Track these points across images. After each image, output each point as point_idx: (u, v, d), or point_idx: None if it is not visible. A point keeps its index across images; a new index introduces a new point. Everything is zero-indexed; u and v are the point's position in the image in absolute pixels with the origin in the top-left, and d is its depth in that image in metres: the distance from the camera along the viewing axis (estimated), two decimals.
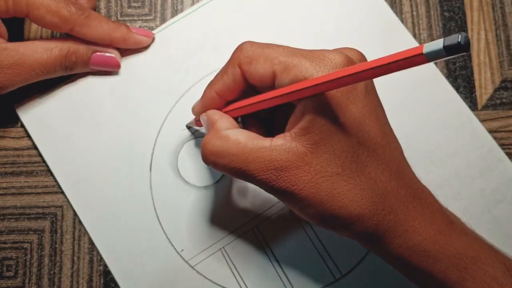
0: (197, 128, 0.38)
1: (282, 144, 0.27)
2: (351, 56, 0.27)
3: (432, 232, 0.28)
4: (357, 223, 0.27)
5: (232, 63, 0.30)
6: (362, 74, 0.24)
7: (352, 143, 0.27)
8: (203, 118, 0.32)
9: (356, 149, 0.27)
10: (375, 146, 0.28)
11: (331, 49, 0.28)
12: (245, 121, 0.33)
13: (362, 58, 0.29)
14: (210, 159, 0.29)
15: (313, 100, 0.26)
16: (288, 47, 0.29)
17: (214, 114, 0.31)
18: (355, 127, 0.27)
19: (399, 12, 0.40)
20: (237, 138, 0.28)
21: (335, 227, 0.28)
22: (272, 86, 0.29)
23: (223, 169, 0.29)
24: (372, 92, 0.28)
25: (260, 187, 0.28)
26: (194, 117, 0.35)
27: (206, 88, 0.32)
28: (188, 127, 0.38)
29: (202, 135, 0.38)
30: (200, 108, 0.33)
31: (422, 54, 0.21)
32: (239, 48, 0.30)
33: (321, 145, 0.27)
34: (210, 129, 0.30)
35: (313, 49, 0.28)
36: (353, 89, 0.27)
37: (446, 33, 0.40)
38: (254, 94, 0.30)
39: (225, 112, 0.32)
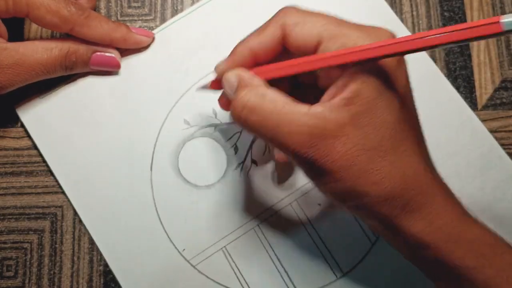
0: (208, 91, 0.35)
1: (321, 111, 0.26)
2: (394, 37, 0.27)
3: (453, 217, 0.28)
4: (385, 202, 0.27)
5: (274, 22, 0.29)
6: (428, 40, 0.23)
7: (393, 119, 0.26)
8: (229, 75, 0.30)
9: (395, 126, 0.26)
10: (413, 126, 0.28)
11: None
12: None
13: None
14: (242, 114, 0.28)
15: (359, 71, 0.26)
16: (334, 16, 0.28)
17: (246, 72, 0.29)
18: (398, 104, 0.27)
19: (399, 12, 0.41)
20: (274, 98, 0.27)
21: (359, 205, 0.27)
22: (312, 53, 0.28)
23: (254, 127, 0.28)
24: (409, 82, 0.28)
25: (289, 154, 0.27)
26: (207, 81, 0.33)
27: (238, 44, 0.30)
28: (199, 89, 0.36)
29: (203, 134, 0.38)
30: (228, 66, 0.30)
31: (498, 22, 0.21)
32: (283, 11, 0.29)
33: (363, 118, 0.26)
34: (243, 86, 0.29)
35: (360, 24, 0.28)
36: (399, 67, 0.27)
37: None
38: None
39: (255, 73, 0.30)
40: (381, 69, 0.26)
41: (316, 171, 0.27)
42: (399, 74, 0.27)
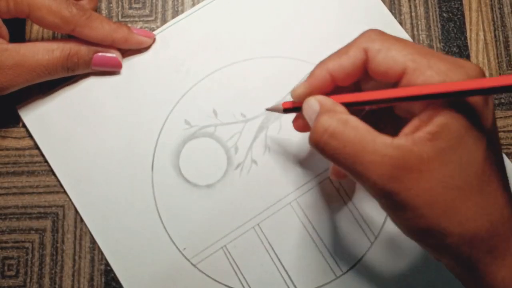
0: (278, 112, 0.33)
1: (405, 144, 0.25)
2: (483, 73, 0.26)
3: None
4: (470, 244, 0.25)
5: (356, 45, 0.28)
6: None
7: (480, 158, 0.25)
8: (311, 102, 0.29)
9: (482, 166, 0.25)
10: (499, 167, 0.26)
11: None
12: None
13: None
14: (322, 139, 0.27)
15: (445, 105, 0.25)
16: (420, 45, 0.27)
17: (328, 99, 0.28)
18: (484, 143, 0.25)
19: (398, 13, 0.41)
20: (357, 125, 0.26)
21: (441, 245, 0.26)
22: (394, 82, 0.27)
23: (333, 153, 0.26)
24: (495, 122, 0.27)
25: (367, 184, 0.26)
26: (278, 102, 0.32)
27: (317, 67, 0.29)
28: (268, 109, 0.35)
29: (204, 134, 0.38)
30: (307, 89, 0.29)
31: None
32: (367, 34, 0.28)
33: (449, 154, 0.25)
34: (325, 111, 0.27)
35: (447, 55, 0.27)
36: (486, 106, 0.26)
37: (444, 34, 0.41)
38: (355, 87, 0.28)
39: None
40: (468, 106, 0.25)
41: (396, 205, 0.26)
42: (486, 113, 0.26)
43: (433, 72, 0.25)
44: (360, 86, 0.31)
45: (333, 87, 0.29)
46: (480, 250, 0.25)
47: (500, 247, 0.26)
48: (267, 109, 0.34)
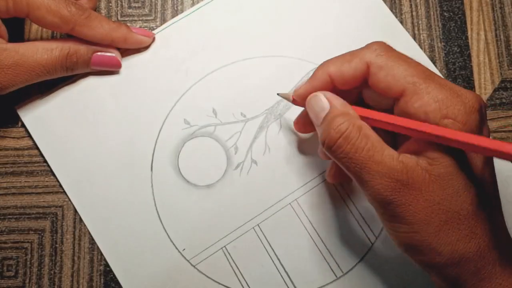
0: (287, 102, 0.35)
1: (409, 161, 0.27)
2: (482, 101, 0.27)
3: None
4: (456, 265, 0.27)
5: (360, 57, 0.29)
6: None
7: (475, 188, 0.27)
8: (318, 98, 0.30)
9: (477, 193, 0.27)
10: (495, 196, 0.28)
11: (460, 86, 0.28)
12: None
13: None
14: (338, 142, 0.28)
15: None
16: (422, 66, 0.28)
17: (337, 98, 0.29)
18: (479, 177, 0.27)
19: (398, 13, 0.41)
20: (369, 133, 0.27)
21: (430, 263, 0.27)
22: (391, 99, 0.28)
23: (344, 157, 0.28)
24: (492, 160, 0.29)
25: (370, 191, 0.27)
26: (289, 90, 0.33)
27: (319, 68, 0.30)
28: (279, 95, 0.35)
29: (203, 134, 0.38)
30: (308, 90, 0.31)
31: None
32: (372, 48, 0.29)
33: (447, 180, 0.26)
34: (339, 114, 0.28)
35: (446, 80, 0.28)
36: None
37: (445, 33, 0.40)
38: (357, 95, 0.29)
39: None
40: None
41: (393, 217, 0.27)
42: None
43: (431, 99, 0.27)
44: (361, 90, 0.32)
45: (332, 88, 0.30)
46: (467, 271, 0.27)
47: (487, 269, 0.27)
48: (278, 94, 0.35)
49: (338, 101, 0.29)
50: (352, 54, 0.29)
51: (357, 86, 0.30)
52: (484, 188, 0.28)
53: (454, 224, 0.26)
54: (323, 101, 0.29)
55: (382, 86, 0.28)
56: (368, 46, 0.29)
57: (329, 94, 0.30)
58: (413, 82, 0.27)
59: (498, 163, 0.38)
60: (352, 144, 0.27)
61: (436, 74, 0.28)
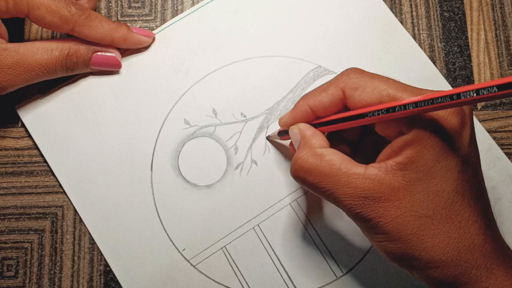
0: (279, 141, 0.37)
1: (376, 174, 0.27)
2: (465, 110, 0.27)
3: None
4: (435, 269, 0.27)
5: (335, 84, 0.30)
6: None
7: (449, 189, 0.27)
8: (293, 130, 0.32)
9: (452, 196, 0.27)
10: (470, 196, 0.27)
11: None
12: (332, 138, 0.33)
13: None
14: (300, 175, 0.29)
15: (417, 133, 0.26)
16: (396, 80, 0.28)
17: (308, 129, 0.31)
18: (455, 173, 0.27)
19: (398, 13, 0.41)
20: (331, 159, 0.28)
21: (410, 267, 0.28)
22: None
23: (311, 187, 0.29)
24: (474, 143, 0.28)
25: (344, 211, 0.29)
26: (275, 129, 0.35)
27: (300, 100, 0.32)
28: (269, 139, 0.38)
29: (203, 134, 0.38)
30: (290, 120, 0.33)
31: None
32: (346, 73, 0.30)
33: (417, 184, 0.27)
34: (303, 145, 0.30)
35: (421, 88, 0.28)
36: (459, 136, 0.27)
37: (445, 33, 0.40)
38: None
39: (314, 125, 0.32)
40: (443, 132, 0.26)
41: (370, 229, 0.28)
42: (462, 137, 0.27)
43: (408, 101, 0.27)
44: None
45: (315, 118, 0.32)
46: (447, 276, 0.27)
47: (471, 273, 0.27)
48: (267, 137, 0.38)
49: (308, 132, 0.31)
50: (328, 83, 0.31)
51: (339, 111, 0.31)
52: (463, 185, 0.27)
53: (429, 229, 0.27)
54: (296, 133, 0.32)
55: (359, 105, 0.29)
56: (342, 73, 0.30)
57: (302, 125, 0.32)
58: (388, 94, 0.27)
59: (500, 163, 0.38)
60: (315, 175, 0.29)
61: (411, 86, 0.28)
